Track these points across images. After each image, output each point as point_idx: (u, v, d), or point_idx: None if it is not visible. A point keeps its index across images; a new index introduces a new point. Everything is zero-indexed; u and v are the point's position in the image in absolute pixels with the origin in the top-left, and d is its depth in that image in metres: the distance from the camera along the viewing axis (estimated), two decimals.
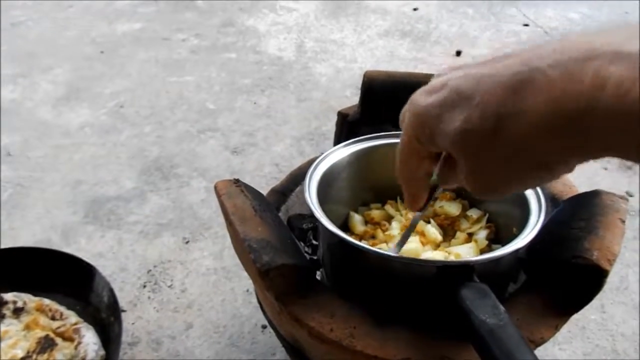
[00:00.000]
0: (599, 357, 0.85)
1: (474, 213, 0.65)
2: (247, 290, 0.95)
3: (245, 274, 0.59)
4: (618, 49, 0.27)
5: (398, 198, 0.69)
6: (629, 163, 1.26)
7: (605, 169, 1.25)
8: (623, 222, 0.56)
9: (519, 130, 0.30)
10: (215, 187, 0.59)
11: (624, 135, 0.27)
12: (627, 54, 0.26)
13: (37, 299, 0.84)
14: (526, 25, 1.93)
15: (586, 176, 1.23)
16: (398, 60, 1.72)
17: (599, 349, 0.87)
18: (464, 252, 0.58)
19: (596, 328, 0.90)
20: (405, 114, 0.38)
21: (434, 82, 0.36)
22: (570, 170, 0.33)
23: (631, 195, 1.17)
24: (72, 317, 0.83)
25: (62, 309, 0.84)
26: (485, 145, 0.32)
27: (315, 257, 0.72)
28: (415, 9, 2.02)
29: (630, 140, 0.27)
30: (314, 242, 0.74)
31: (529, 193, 0.58)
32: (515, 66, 0.31)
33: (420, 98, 0.36)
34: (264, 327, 0.88)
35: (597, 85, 0.27)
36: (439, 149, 0.37)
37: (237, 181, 0.60)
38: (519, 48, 0.32)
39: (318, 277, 0.68)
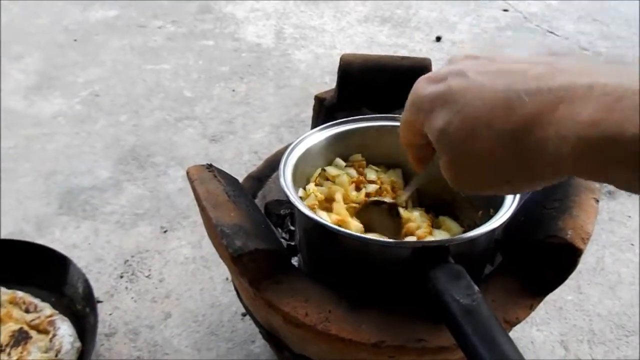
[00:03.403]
0: (576, 338, 0.86)
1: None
2: (227, 279, 0.94)
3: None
4: (591, 83, 0.28)
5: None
6: None
7: None
8: (597, 201, 0.56)
9: (488, 147, 0.32)
10: (188, 173, 0.58)
11: (578, 162, 0.28)
12: (601, 93, 0.27)
13: (10, 291, 0.83)
14: (506, 10, 1.93)
15: None
16: (378, 46, 1.71)
17: (576, 329, 0.88)
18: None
19: (573, 309, 0.91)
20: (411, 91, 0.39)
21: (439, 71, 0.37)
22: (533, 188, 0.35)
23: None
24: (46, 309, 0.81)
25: (36, 301, 0.83)
26: (458, 149, 0.34)
27: (292, 243, 0.71)
28: None
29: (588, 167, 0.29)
30: (292, 227, 0.73)
31: None
32: (502, 82, 0.32)
33: (422, 85, 0.37)
34: (243, 315, 0.88)
35: (563, 118, 0.28)
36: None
37: (210, 166, 0.59)
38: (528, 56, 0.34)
39: (295, 264, 0.67)
